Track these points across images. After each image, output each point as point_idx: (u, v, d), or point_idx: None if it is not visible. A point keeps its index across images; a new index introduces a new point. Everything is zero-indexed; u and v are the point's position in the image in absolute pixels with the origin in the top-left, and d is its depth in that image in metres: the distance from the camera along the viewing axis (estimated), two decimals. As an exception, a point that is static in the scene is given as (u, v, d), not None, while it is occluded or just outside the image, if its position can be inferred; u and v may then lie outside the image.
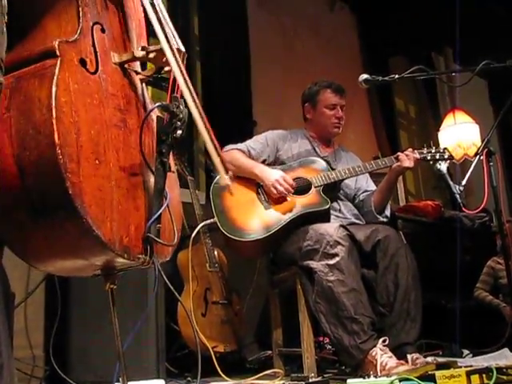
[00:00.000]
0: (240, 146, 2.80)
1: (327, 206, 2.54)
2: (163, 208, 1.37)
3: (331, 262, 2.27)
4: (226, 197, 2.59)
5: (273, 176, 2.58)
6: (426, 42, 5.68)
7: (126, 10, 1.56)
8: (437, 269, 3.19)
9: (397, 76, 2.40)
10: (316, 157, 2.80)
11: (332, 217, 2.64)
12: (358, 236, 2.43)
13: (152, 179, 1.41)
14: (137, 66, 1.58)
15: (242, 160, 2.70)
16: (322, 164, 2.74)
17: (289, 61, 4.82)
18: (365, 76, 2.45)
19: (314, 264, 2.33)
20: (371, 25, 5.49)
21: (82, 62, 1.35)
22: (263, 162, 2.78)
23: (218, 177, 2.59)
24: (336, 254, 2.28)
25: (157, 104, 1.44)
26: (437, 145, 2.71)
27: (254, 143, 2.82)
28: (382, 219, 2.72)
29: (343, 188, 2.81)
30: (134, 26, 1.56)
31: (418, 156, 2.64)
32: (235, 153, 2.73)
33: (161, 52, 1.46)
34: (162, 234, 1.40)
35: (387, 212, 2.78)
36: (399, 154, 2.67)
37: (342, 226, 2.40)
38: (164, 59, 1.46)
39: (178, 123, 1.38)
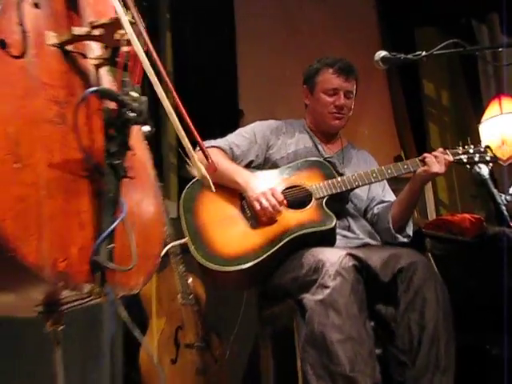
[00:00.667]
0: (220, 142, 2.82)
1: (332, 225, 2.53)
2: (116, 223, 1.34)
3: (327, 298, 2.23)
4: (202, 211, 2.60)
5: (259, 188, 2.59)
6: (463, 7, 5.47)
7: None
8: (477, 303, 3.11)
9: (424, 53, 2.38)
10: (318, 157, 2.82)
11: (338, 237, 2.64)
12: (372, 261, 2.41)
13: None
14: (90, 48, 1.54)
15: (222, 163, 2.69)
16: (325, 167, 2.76)
17: (286, 35, 4.80)
18: (383, 53, 2.45)
19: (306, 299, 2.30)
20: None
21: (1, 44, 1.30)
22: (250, 163, 2.82)
23: (190, 183, 2.63)
24: (334, 289, 2.24)
25: (91, 89, 1.40)
26: (476, 142, 2.72)
27: (239, 139, 2.84)
28: (402, 239, 2.72)
29: (352, 199, 2.82)
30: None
31: (450, 158, 2.65)
32: (213, 153, 2.72)
33: (111, 26, 1.42)
34: (121, 257, 1.36)
35: (409, 230, 2.78)
36: (426, 155, 2.67)
37: (350, 254, 2.36)
38: (118, 36, 1.42)
39: (131, 115, 1.35)
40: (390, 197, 2.89)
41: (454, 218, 3.82)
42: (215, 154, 2.72)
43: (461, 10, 5.57)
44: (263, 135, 2.87)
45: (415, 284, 2.36)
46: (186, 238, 2.48)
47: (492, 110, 4.86)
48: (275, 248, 2.48)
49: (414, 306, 2.34)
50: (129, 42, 1.40)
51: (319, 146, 2.91)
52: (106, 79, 1.55)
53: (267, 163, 2.84)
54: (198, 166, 1.46)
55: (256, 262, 2.44)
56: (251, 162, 2.81)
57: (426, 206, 4.59)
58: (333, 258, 2.32)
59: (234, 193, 2.64)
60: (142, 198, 1.54)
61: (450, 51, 2.38)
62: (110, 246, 1.33)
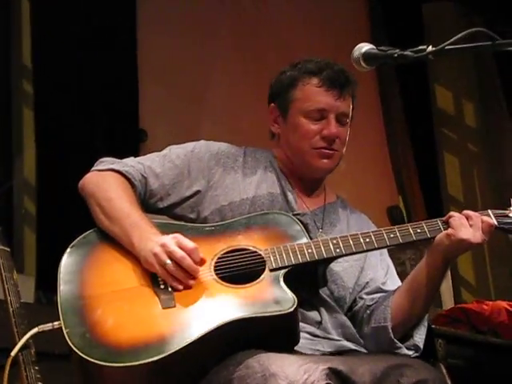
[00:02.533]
0: (126, 164, 2.65)
1: (289, 309, 2.35)
2: None
3: None
4: (90, 280, 2.47)
5: (161, 239, 2.42)
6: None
7: None
8: None
9: (431, 48, 2.12)
10: (285, 209, 2.72)
11: (304, 336, 2.48)
12: (358, 377, 2.22)
13: None
14: None
15: (118, 202, 2.55)
16: (292, 226, 2.65)
17: (220, 17, 5.12)
18: (365, 47, 2.28)
19: None
20: None
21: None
22: (171, 208, 2.65)
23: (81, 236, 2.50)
24: None
25: None
26: None
27: (161, 164, 2.69)
28: (405, 352, 2.54)
29: (330, 282, 2.68)
30: None
31: (492, 221, 2.46)
32: (110, 181, 2.60)
33: None
34: None
35: (419, 339, 2.60)
36: (453, 214, 2.49)
37: (324, 367, 2.17)
38: None
39: None
40: (395, 283, 2.72)
41: (483, 307, 3.99)
42: (109, 184, 2.58)
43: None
44: (203, 166, 2.72)
45: None
46: (60, 321, 2.29)
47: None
48: (194, 338, 2.29)
49: None
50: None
51: (290, 196, 2.77)
52: None
53: (203, 212, 2.67)
54: None
55: (160, 357, 2.25)
56: (174, 205, 2.64)
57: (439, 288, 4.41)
58: (293, 372, 2.16)
59: None
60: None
61: (469, 46, 2.08)
62: None
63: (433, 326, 3.43)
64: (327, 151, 2.70)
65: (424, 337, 2.65)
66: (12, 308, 2.69)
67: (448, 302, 4.65)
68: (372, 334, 2.61)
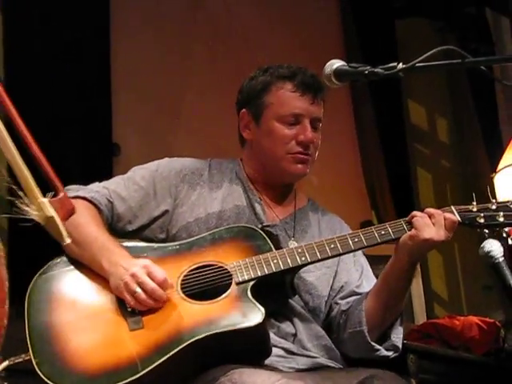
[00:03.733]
0: (91, 190, 2.68)
1: (256, 321, 2.38)
2: None
3: None
4: (59, 306, 2.49)
5: (131, 267, 2.44)
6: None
7: None
8: None
9: (401, 65, 2.18)
10: (253, 223, 2.71)
11: (277, 352, 2.49)
12: None
13: None
14: None
15: (85, 228, 2.57)
16: (257, 237, 2.64)
17: (193, 23, 5.14)
18: (336, 64, 2.32)
19: None
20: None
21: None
22: (139, 230, 2.68)
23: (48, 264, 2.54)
24: None
25: None
26: (490, 195, 2.61)
27: (126, 187, 2.71)
28: (384, 353, 2.57)
29: (302, 292, 2.67)
30: None
31: (456, 217, 2.50)
32: (77, 208, 2.38)
33: None
34: None
35: (396, 338, 2.62)
36: (416, 213, 2.53)
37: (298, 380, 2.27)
38: None
39: None
40: (370, 285, 2.72)
41: (454, 322, 4.07)
42: (76, 211, 2.38)
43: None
44: (169, 184, 2.73)
45: None
46: (28, 353, 2.36)
47: (515, 152, 4.72)
48: (162, 359, 2.32)
49: None
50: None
51: (258, 207, 2.77)
52: None
53: (171, 230, 2.69)
54: (42, 203, 1.56)
55: (130, 380, 2.28)
56: (143, 227, 2.67)
57: (410, 303, 4.63)
58: (260, 381, 2.19)
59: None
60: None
61: (440, 64, 2.16)
62: None
63: (405, 341, 3.15)
64: (302, 156, 2.71)
65: (401, 336, 2.66)
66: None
67: (420, 317, 4.64)
68: (349, 339, 2.62)
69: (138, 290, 2.40)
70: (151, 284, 2.40)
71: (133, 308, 2.47)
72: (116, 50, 4.74)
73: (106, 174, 2.93)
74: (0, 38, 4.64)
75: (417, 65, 2.14)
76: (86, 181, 2.79)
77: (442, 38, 5.73)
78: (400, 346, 2.64)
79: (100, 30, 4.86)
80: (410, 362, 3.46)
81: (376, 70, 2.23)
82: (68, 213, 1.64)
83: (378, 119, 5.59)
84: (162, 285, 2.43)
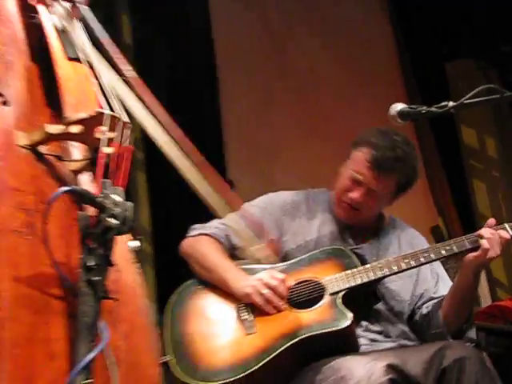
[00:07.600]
0: (211, 227, 2.80)
1: (344, 324, 2.46)
2: (94, 353, 1.34)
3: None
4: (191, 317, 2.65)
5: (250, 278, 2.58)
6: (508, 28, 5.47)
7: (58, 71, 1.67)
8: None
9: (451, 103, 2.29)
10: (343, 245, 2.78)
11: (364, 343, 2.58)
12: (410, 367, 2.30)
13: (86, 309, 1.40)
14: (70, 150, 1.64)
15: (211, 256, 2.71)
16: (346, 256, 2.71)
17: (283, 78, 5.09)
18: (399, 106, 2.38)
19: None
20: (410, 9, 5.67)
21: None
22: None
23: (187, 283, 2.72)
24: None
25: (62, 189, 1.44)
26: None
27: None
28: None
29: (388, 299, 2.75)
30: (71, 90, 1.66)
31: (507, 235, 2.58)
32: (202, 242, 2.75)
33: (91, 122, 1.51)
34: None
35: (471, 333, 2.73)
36: (482, 232, 2.58)
37: (389, 365, 2.27)
38: (99, 134, 1.51)
39: (113, 222, 1.40)
40: (446, 289, 2.78)
41: None
42: (204, 244, 2.74)
43: (505, 34, 5.61)
44: (275, 218, 2.83)
45: None
46: (168, 355, 2.52)
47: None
48: (271, 356, 2.45)
49: None
50: (111, 141, 1.51)
51: (346, 233, 2.84)
52: (88, 187, 1.61)
53: (278, 255, 2.79)
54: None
55: (243, 374, 2.42)
56: None
57: (476, 291, 4.29)
58: (359, 370, 2.27)
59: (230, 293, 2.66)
60: (129, 330, 1.60)
61: (482, 100, 2.29)
62: (86, 382, 1.34)
63: (475, 322, 3.25)
64: (347, 208, 2.81)
65: (475, 331, 2.79)
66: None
67: (485, 300, 4.72)
68: (431, 337, 2.74)
69: (265, 290, 2.59)
70: (275, 281, 2.60)
71: (247, 315, 2.65)
72: (225, 103, 4.82)
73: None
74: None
75: (464, 102, 2.28)
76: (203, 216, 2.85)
77: (485, 74, 5.73)
78: (475, 338, 2.79)
79: (210, 81, 4.96)
80: (480, 339, 3.47)
81: (431, 109, 2.36)
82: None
83: (437, 142, 5.67)
84: (284, 283, 2.62)
